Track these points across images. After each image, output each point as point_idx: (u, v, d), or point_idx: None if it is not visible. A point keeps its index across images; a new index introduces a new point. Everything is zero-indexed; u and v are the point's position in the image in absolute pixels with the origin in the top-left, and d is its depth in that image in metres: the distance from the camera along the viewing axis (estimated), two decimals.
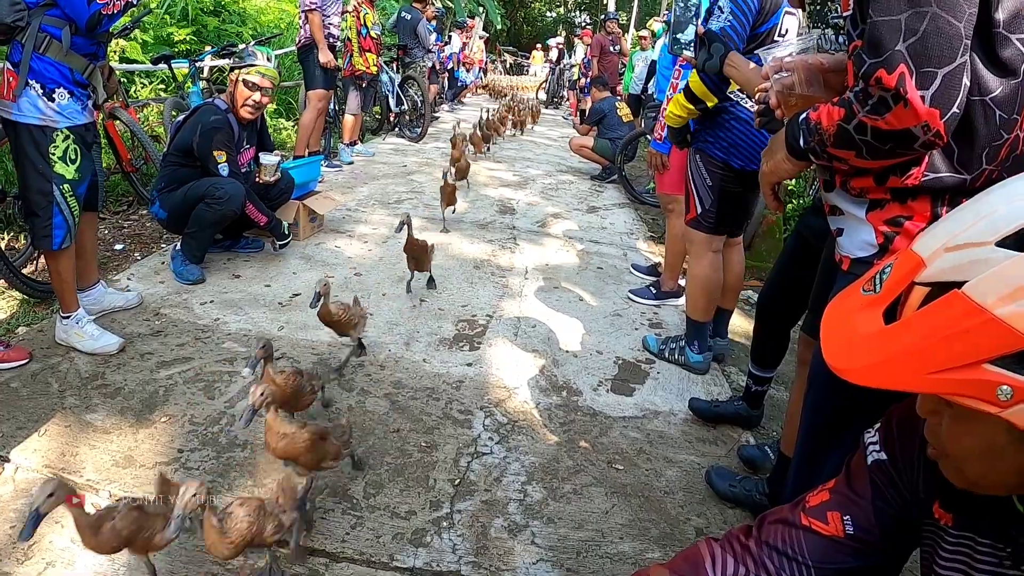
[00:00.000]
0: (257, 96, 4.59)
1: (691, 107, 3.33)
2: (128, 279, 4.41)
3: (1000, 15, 1.42)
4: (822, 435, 1.96)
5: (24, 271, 4.04)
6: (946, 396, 0.83)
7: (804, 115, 1.70)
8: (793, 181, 6.73)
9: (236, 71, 4.62)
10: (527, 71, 31.58)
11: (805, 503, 1.21)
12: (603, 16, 14.65)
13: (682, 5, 3.88)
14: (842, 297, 0.99)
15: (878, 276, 0.94)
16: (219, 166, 4.44)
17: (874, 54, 1.42)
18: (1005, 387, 0.77)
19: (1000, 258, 0.80)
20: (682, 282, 4.77)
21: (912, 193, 1.64)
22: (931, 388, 0.83)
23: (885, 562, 1.17)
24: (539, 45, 32.72)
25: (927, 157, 1.57)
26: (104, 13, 3.10)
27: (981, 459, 0.90)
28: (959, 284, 0.81)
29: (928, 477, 1.08)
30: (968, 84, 1.42)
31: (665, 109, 3.66)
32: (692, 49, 2.93)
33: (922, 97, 1.38)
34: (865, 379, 0.87)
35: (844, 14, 1.64)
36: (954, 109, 1.40)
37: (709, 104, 3.28)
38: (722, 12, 3.19)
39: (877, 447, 1.17)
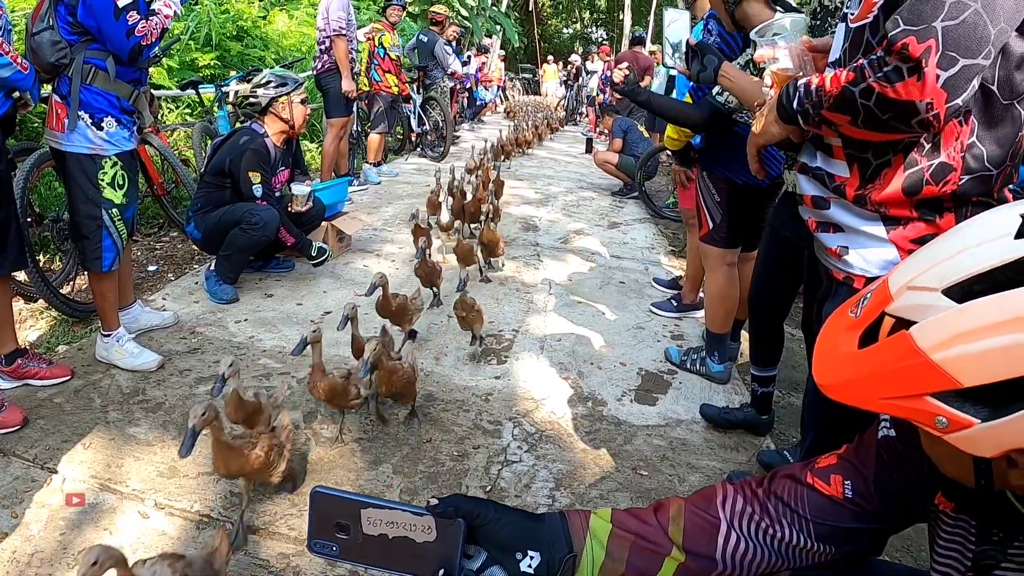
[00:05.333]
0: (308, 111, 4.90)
1: (685, 130, 3.46)
2: (163, 299, 4.54)
3: None
4: (829, 433, 2.05)
5: (62, 291, 4.19)
6: (898, 417, 0.92)
7: (801, 80, 1.75)
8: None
9: (285, 96, 4.80)
10: (543, 89, 29.66)
11: (815, 464, 1.28)
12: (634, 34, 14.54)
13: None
14: (836, 316, 1.06)
15: (862, 300, 1.01)
16: (253, 187, 4.59)
17: (911, 22, 1.46)
18: (942, 418, 0.85)
19: (943, 306, 0.87)
20: (702, 295, 4.85)
21: (939, 209, 1.68)
22: (885, 410, 0.92)
23: (883, 529, 1.24)
24: (550, 57, 31.20)
25: (961, 162, 1.62)
26: (143, 44, 3.24)
27: (947, 462, 1.00)
28: (912, 323, 0.89)
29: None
30: (976, 87, 1.48)
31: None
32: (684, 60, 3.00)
33: (937, 76, 1.44)
34: (838, 395, 0.96)
35: (863, 22, 1.69)
36: (958, 101, 1.47)
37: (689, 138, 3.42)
38: (710, 35, 3.30)
39: (887, 424, 1.24)
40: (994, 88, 1.57)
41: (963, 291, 0.87)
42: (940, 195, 1.66)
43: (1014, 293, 0.82)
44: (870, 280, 1.77)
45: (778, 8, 3.00)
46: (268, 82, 4.80)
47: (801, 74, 1.91)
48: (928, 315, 0.88)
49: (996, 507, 1.04)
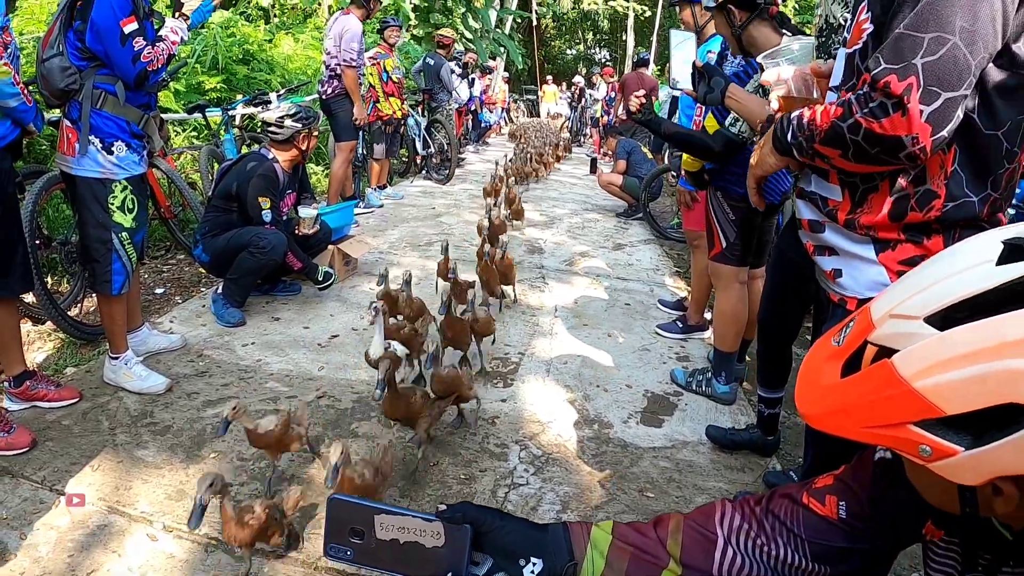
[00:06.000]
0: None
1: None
2: (171, 322, 4.57)
3: (1020, 50, 1.54)
4: (829, 452, 2.06)
5: (70, 313, 4.21)
6: (882, 446, 0.92)
7: (795, 112, 1.78)
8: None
9: (309, 128, 4.94)
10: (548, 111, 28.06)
11: (812, 484, 1.29)
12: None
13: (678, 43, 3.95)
14: (819, 345, 1.06)
15: (845, 328, 1.01)
16: (262, 212, 4.63)
17: (892, 60, 1.50)
18: (925, 447, 0.85)
19: (925, 334, 0.87)
20: (708, 315, 4.85)
21: (927, 232, 1.71)
22: (868, 440, 0.91)
23: (876, 549, 1.24)
24: (549, 78, 30.91)
25: (945, 188, 1.65)
26: (149, 69, 3.27)
27: (932, 491, 1.00)
28: (895, 351, 0.89)
29: None
30: (961, 117, 1.52)
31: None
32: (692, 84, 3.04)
33: (921, 111, 1.48)
34: (820, 425, 0.96)
35: (853, 48, 1.73)
36: (943, 133, 1.50)
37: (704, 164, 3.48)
38: (734, 58, 3.32)
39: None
40: (974, 116, 1.60)
41: (944, 318, 0.87)
42: (925, 220, 1.69)
43: (994, 320, 0.82)
44: (862, 301, 1.80)
45: (785, 32, 3.03)
46: (296, 114, 4.84)
47: (803, 94, 1.94)
48: (910, 343, 0.88)
49: (982, 533, 1.04)
